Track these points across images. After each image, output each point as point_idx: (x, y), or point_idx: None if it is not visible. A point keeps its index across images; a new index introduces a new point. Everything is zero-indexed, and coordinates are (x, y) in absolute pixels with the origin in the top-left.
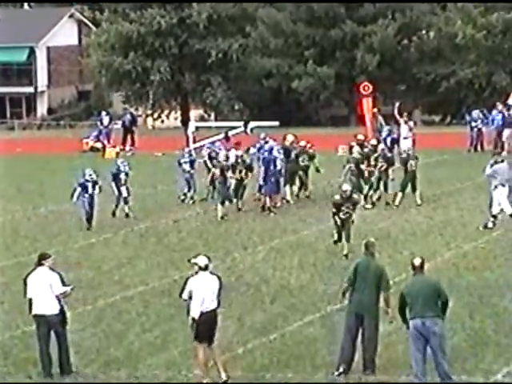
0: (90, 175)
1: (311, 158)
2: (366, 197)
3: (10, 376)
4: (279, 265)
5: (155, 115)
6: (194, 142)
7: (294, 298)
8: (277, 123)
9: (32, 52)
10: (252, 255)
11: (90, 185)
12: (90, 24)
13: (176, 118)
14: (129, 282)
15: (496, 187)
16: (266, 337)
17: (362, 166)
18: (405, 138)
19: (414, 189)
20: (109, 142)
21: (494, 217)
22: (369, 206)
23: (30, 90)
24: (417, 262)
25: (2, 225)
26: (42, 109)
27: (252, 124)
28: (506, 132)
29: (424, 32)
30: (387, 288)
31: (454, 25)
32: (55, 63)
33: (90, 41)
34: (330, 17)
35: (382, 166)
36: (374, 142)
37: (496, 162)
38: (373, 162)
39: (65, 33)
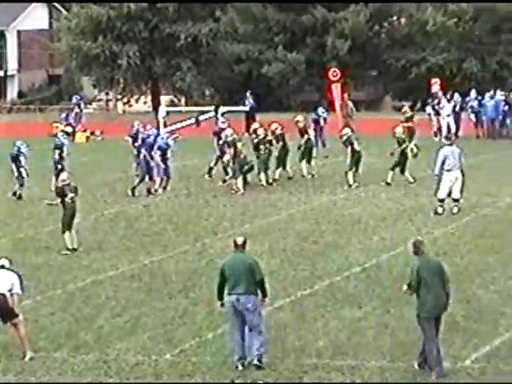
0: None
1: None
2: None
3: None
4: (249, 250)
5: (125, 99)
6: (165, 126)
7: None
8: (247, 108)
9: (2, 36)
10: (222, 240)
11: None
12: (61, 8)
13: (145, 103)
14: (99, 266)
15: (448, 171)
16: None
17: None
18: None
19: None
20: (81, 126)
21: (441, 200)
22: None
23: (0, 73)
24: (239, 240)
25: None
26: (12, 92)
27: (223, 109)
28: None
29: (395, 18)
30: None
31: (424, 11)
32: (25, 47)
33: (60, 25)
34: (300, 2)
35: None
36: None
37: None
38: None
39: (35, 16)
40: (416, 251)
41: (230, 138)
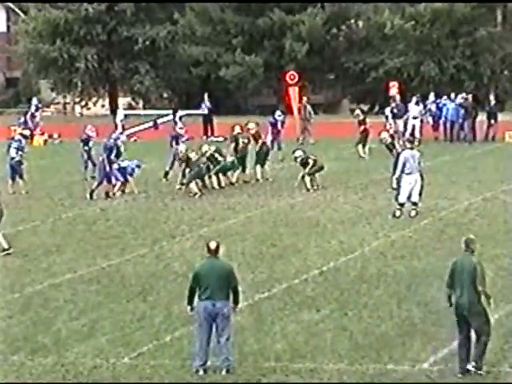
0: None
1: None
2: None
3: None
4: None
5: (83, 102)
6: (123, 129)
7: None
8: (206, 111)
9: None
10: (180, 243)
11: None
12: (19, 11)
13: (103, 106)
14: (57, 269)
15: (408, 174)
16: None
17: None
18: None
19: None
20: (37, 129)
21: (401, 205)
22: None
23: None
24: (212, 245)
25: None
26: None
27: (181, 112)
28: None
29: (353, 21)
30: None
31: (382, 14)
32: None
33: (18, 27)
34: (257, 5)
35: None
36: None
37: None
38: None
39: None
40: (465, 249)
41: (181, 155)
